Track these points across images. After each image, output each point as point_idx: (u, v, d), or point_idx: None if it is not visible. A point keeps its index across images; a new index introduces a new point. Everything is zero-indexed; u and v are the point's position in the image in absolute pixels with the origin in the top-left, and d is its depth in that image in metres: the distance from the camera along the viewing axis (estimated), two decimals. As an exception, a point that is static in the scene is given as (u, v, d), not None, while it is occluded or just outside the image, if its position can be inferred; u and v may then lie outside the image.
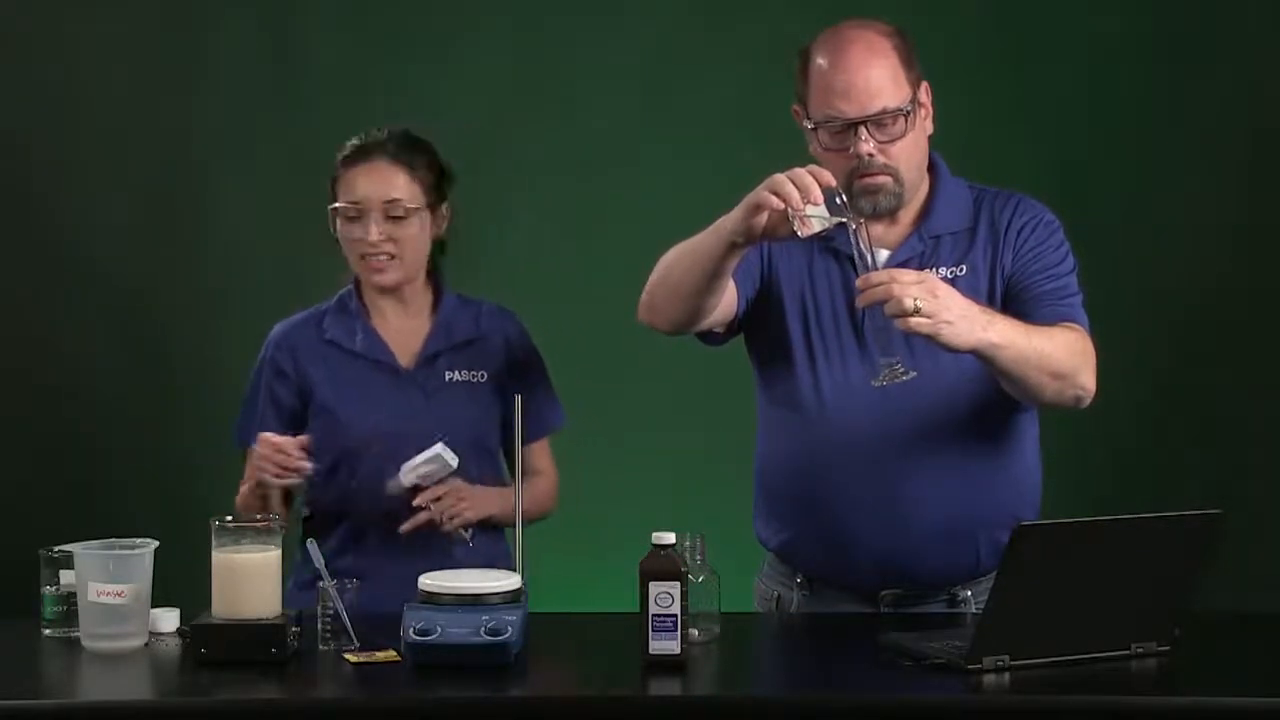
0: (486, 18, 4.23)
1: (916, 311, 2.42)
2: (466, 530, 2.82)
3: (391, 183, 2.86)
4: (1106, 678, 2.31)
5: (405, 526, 2.78)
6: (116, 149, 4.20)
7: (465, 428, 2.84)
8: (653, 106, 4.20)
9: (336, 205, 2.88)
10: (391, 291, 2.91)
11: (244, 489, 2.85)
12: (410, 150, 2.89)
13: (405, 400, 2.86)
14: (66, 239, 4.18)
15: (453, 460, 2.79)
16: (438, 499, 2.79)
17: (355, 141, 2.91)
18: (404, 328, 2.94)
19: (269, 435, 2.76)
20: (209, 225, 4.22)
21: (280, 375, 2.89)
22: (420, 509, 2.80)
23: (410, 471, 2.79)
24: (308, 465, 2.74)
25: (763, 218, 2.48)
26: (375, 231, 2.84)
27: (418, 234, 2.88)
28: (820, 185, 2.44)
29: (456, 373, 2.92)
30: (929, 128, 2.72)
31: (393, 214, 2.85)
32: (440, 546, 2.81)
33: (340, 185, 2.89)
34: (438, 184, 2.91)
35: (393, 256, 2.86)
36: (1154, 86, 4.19)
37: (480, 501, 2.83)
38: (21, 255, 4.18)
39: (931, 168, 2.77)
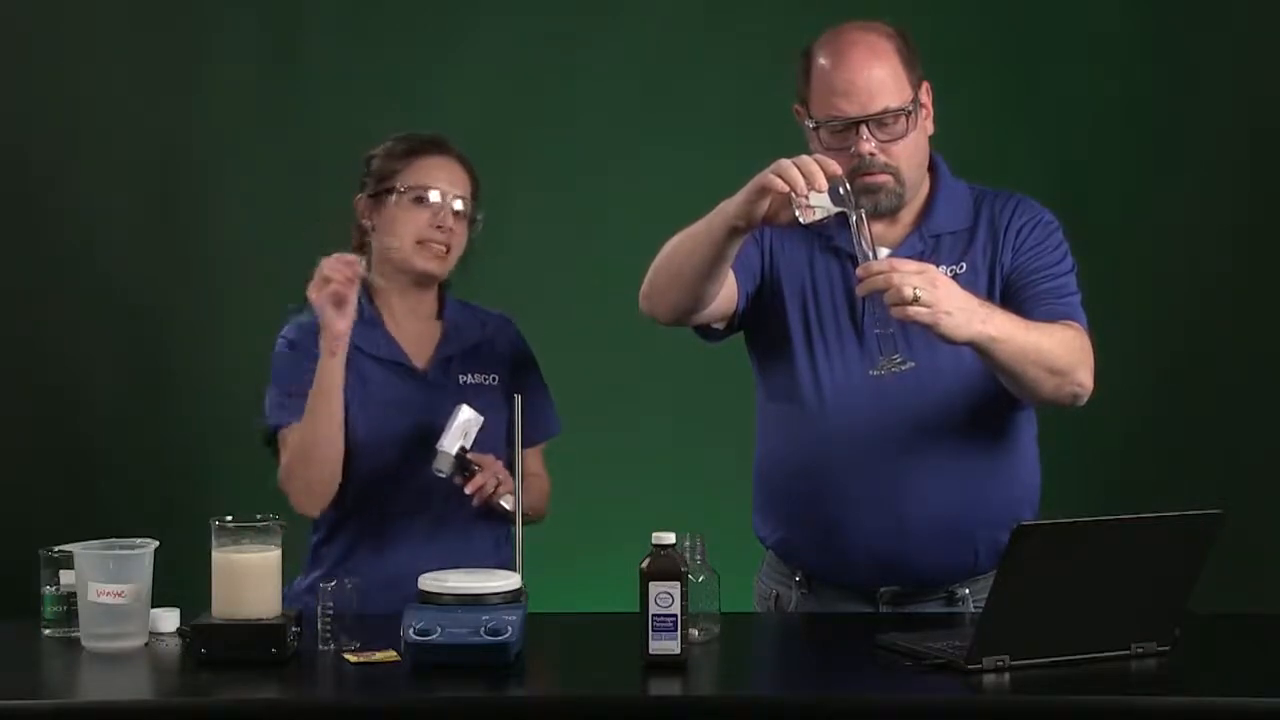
0: (486, 18, 4.23)
1: (916, 301, 2.42)
2: (509, 501, 2.80)
3: (459, 179, 2.91)
4: (1106, 678, 2.31)
5: (470, 488, 2.77)
6: (116, 149, 4.20)
7: (479, 430, 2.84)
8: (653, 106, 4.20)
9: (409, 186, 2.88)
10: (428, 284, 2.92)
11: (305, 430, 2.80)
12: (467, 161, 2.95)
13: (425, 402, 2.86)
14: (66, 239, 4.18)
15: (479, 415, 2.80)
16: (484, 470, 2.78)
17: (416, 134, 2.93)
18: (415, 331, 2.94)
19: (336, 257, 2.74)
20: (209, 225, 4.22)
21: (312, 358, 2.87)
22: (471, 476, 2.78)
23: (453, 440, 2.78)
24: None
25: (765, 202, 2.48)
26: (450, 218, 2.87)
27: (465, 233, 2.92)
28: (825, 174, 2.45)
29: (470, 376, 2.93)
30: (930, 128, 2.73)
31: (457, 209, 2.89)
32: (450, 546, 2.81)
33: (406, 173, 2.89)
34: (478, 191, 2.95)
35: (449, 248, 2.89)
36: (1154, 86, 4.19)
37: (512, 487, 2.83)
38: (21, 256, 4.18)
39: (932, 168, 2.78)
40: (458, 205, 2.89)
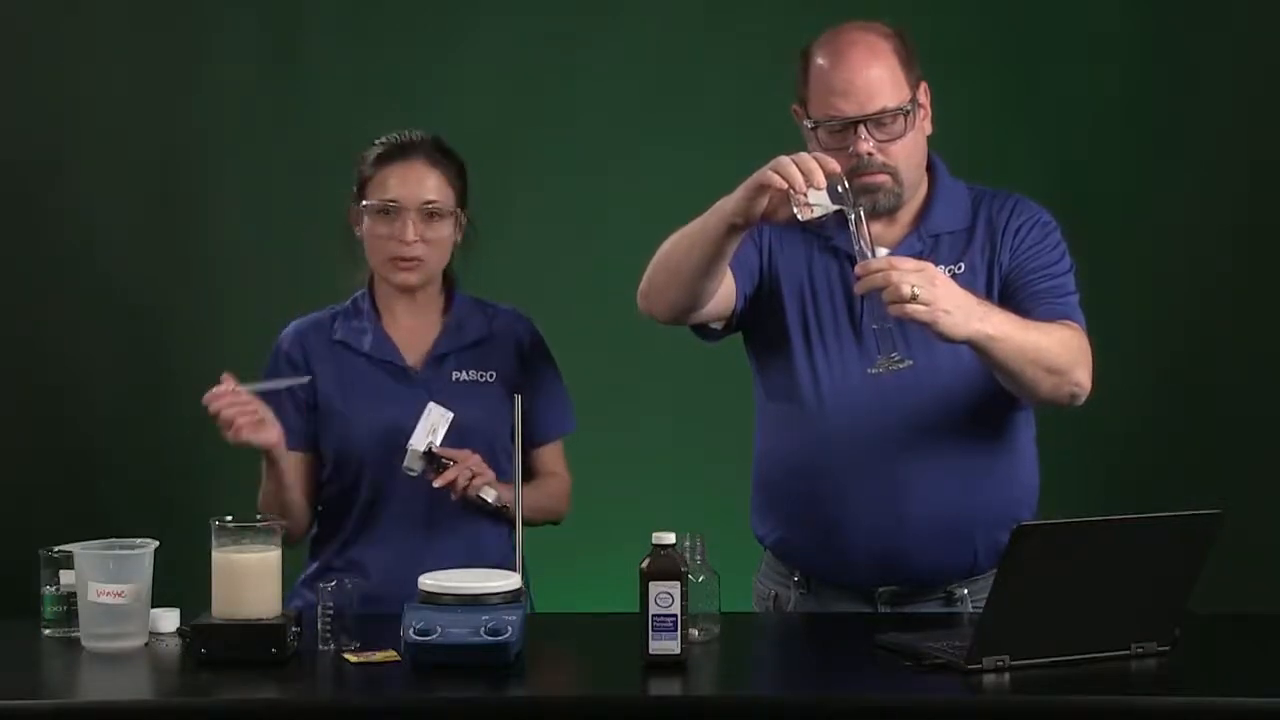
0: (486, 18, 4.23)
1: (914, 299, 2.42)
2: (490, 494, 2.80)
3: (427, 184, 2.88)
4: (1106, 678, 2.31)
5: (439, 482, 2.77)
6: (116, 149, 4.20)
7: (471, 427, 2.84)
8: (653, 106, 4.20)
9: (368, 202, 2.88)
10: (410, 292, 2.92)
11: (264, 488, 2.86)
12: (443, 154, 2.92)
13: (411, 399, 2.86)
14: (66, 239, 4.18)
15: (448, 412, 2.80)
16: (456, 464, 2.78)
17: (386, 140, 2.92)
18: (415, 328, 2.94)
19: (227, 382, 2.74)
20: (209, 225, 4.22)
21: (293, 366, 2.89)
22: (442, 471, 2.78)
23: (420, 437, 2.78)
24: (268, 425, 2.74)
25: (764, 199, 2.48)
26: (411, 232, 2.85)
27: (446, 237, 2.90)
28: (824, 172, 2.45)
29: (464, 373, 2.92)
30: (928, 128, 2.73)
31: (428, 215, 2.86)
32: (453, 545, 2.81)
33: (373, 183, 2.89)
34: (463, 188, 2.93)
35: (421, 259, 2.87)
36: (1154, 86, 4.19)
37: (493, 480, 2.83)
38: (21, 255, 4.18)
39: (930, 168, 2.78)
40: (430, 210, 2.86)
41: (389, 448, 2.84)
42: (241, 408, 2.73)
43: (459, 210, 2.91)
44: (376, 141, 2.93)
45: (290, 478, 2.84)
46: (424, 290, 2.94)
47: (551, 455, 2.99)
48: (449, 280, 2.98)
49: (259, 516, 2.51)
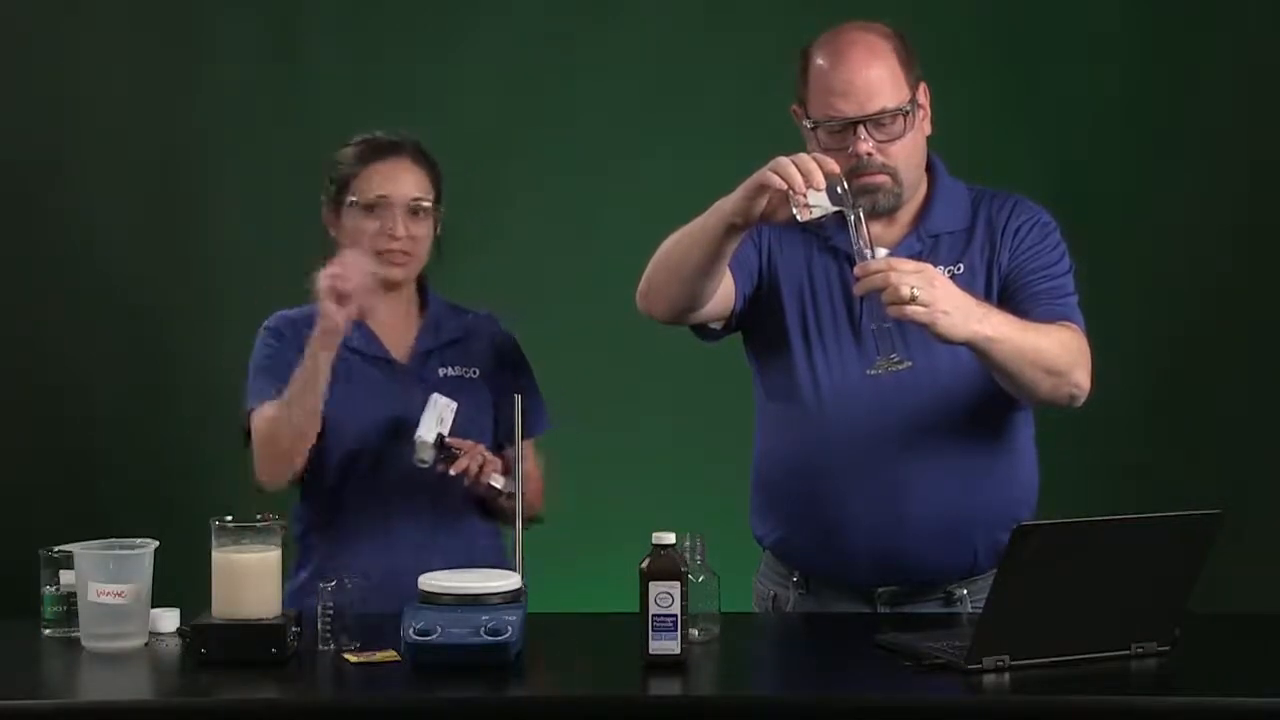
0: (486, 18, 4.23)
1: (913, 300, 2.42)
2: (499, 481, 2.80)
3: (413, 180, 2.89)
4: (1106, 678, 2.31)
5: (454, 470, 2.77)
6: (116, 149, 4.20)
7: (460, 422, 2.84)
8: (653, 106, 4.20)
9: (355, 199, 2.88)
10: (394, 288, 2.92)
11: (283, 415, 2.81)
12: (423, 151, 2.94)
13: (403, 393, 2.86)
14: (66, 239, 4.18)
15: (452, 402, 2.80)
16: (466, 453, 2.78)
17: (364, 140, 2.92)
18: (396, 325, 2.95)
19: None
20: (209, 225, 4.22)
21: (292, 346, 2.87)
22: (453, 461, 2.78)
23: (429, 427, 2.78)
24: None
25: (763, 200, 2.48)
26: (401, 227, 2.86)
27: (429, 234, 2.91)
28: (824, 172, 2.45)
29: (450, 368, 2.94)
30: (927, 129, 2.74)
31: (414, 211, 2.88)
32: (447, 544, 2.81)
33: (358, 180, 2.89)
34: (440, 189, 2.94)
35: (408, 253, 2.88)
36: (1154, 86, 4.19)
37: (500, 467, 2.83)
38: (21, 255, 4.18)
39: (930, 168, 2.78)
40: (416, 207, 2.88)
41: (385, 442, 2.84)
42: (357, 281, 2.72)
43: (438, 208, 2.92)
44: (353, 142, 2.94)
45: (315, 414, 2.79)
46: (405, 288, 2.95)
47: (526, 455, 2.99)
48: (422, 280, 2.98)
49: (259, 516, 2.51)
